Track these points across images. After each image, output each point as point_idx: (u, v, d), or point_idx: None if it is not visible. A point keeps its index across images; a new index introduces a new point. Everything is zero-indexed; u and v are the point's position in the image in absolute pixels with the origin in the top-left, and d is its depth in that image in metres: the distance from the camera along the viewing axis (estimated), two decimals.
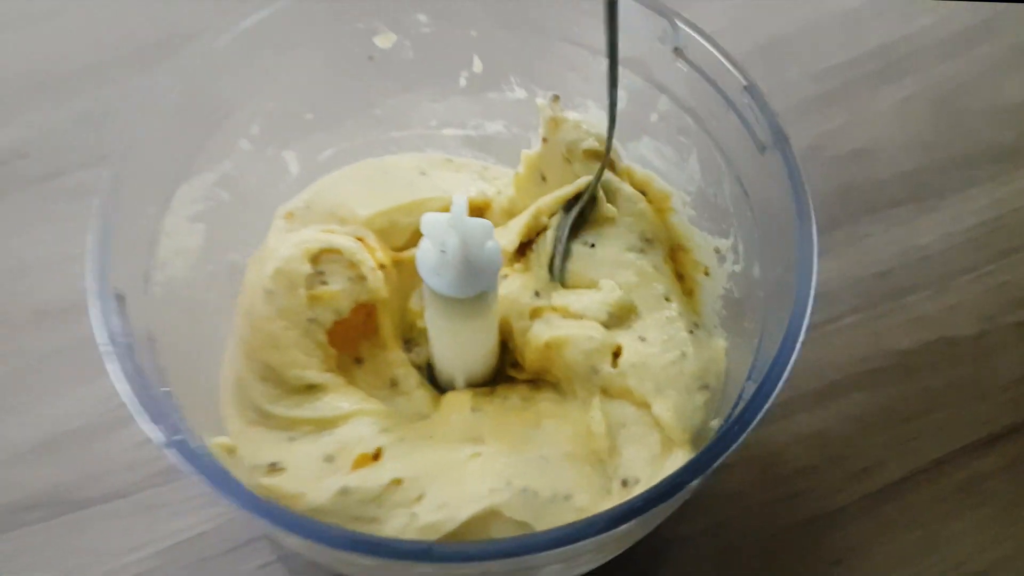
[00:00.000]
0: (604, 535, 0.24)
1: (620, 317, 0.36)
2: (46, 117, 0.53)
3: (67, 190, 0.50)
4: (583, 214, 0.37)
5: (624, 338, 0.36)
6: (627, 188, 0.38)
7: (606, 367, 0.35)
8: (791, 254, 0.29)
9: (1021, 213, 0.48)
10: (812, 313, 0.46)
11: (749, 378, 0.29)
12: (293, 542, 0.29)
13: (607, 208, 0.37)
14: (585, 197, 0.37)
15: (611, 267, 0.36)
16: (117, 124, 0.50)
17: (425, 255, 0.31)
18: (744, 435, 0.26)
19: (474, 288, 0.31)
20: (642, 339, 0.35)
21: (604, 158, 0.36)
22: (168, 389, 0.29)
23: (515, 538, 0.26)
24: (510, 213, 0.39)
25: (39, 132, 0.52)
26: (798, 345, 0.27)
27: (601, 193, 0.37)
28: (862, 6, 0.55)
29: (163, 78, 0.32)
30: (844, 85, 0.53)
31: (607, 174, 0.37)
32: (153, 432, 0.27)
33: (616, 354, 0.35)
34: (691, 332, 0.36)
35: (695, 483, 0.25)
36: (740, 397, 0.29)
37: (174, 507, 0.41)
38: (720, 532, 0.41)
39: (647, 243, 0.37)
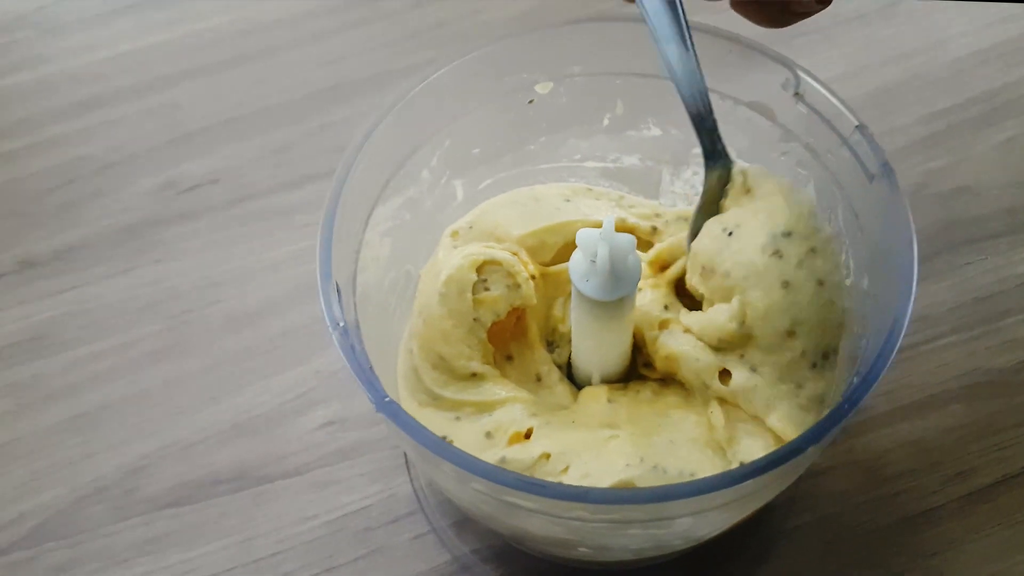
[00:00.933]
0: (732, 488, 0.30)
1: (734, 344, 0.39)
2: (236, 151, 0.61)
3: (251, 213, 0.58)
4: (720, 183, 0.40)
5: (734, 365, 0.39)
6: (773, 176, 0.39)
7: (716, 384, 0.39)
8: (895, 268, 0.34)
9: None
10: (913, 333, 0.51)
11: (851, 381, 0.34)
12: (464, 490, 0.35)
13: (744, 178, 0.39)
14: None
15: (744, 272, 0.38)
16: (312, 157, 0.59)
17: (577, 264, 0.38)
18: (857, 406, 0.31)
19: (616, 293, 0.37)
20: (753, 369, 0.38)
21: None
22: (371, 367, 0.36)
23: (657, 487, 0.32)
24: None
25: (229, 162, 0.60)
26: (900, 337, 0.32)
27: (738, 163, 0.40)
28: (967, 56, 0.60)
29: (372, 119, 0.39)
30: (949, 128, 0.57)
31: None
32: (369, 395, 0.33)
33: (726, 374, 0.39)
34: (814, 366, 0.38)
35: (812, 449, 0.30)
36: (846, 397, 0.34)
37: (342, 484, 0.48)
38: (825, 526, 0.45)
39: (787, 238, 0.38)
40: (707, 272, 0.39)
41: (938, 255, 0.52)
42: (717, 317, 0.39)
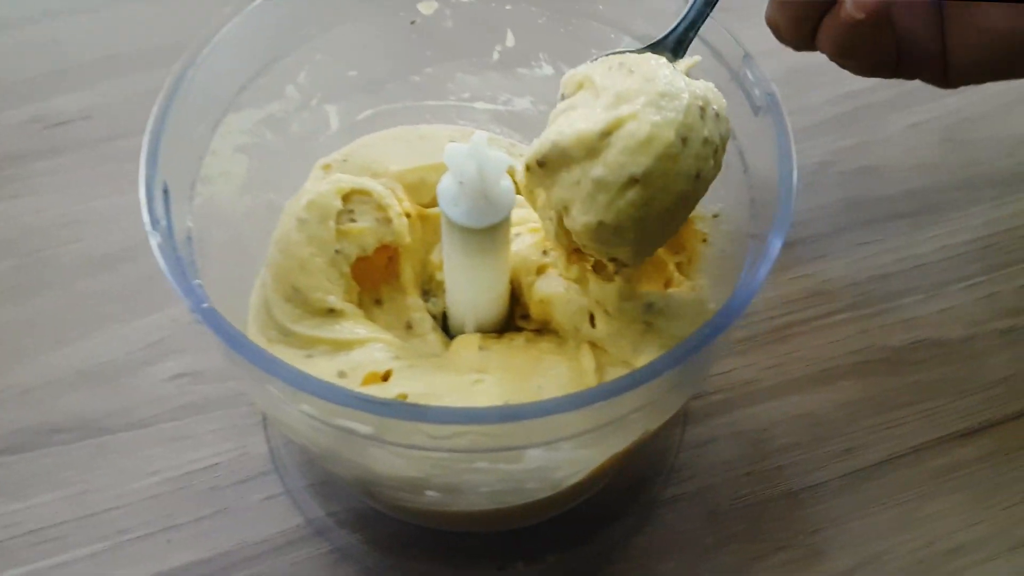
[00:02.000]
0: (581, 411, 0.27)
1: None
2: (114, 87, 0.57)
3: (122, 152, 0.54)
4: None
5: (596, 310, 0.37)
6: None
7: (586, 327, 0.37)
8: (774, 203, 0.32)
9: (1014, 234, 0.51)
10: (806, 308, 0.49)
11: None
12: (296, 418, 0.31)
13: None
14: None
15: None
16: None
17: (447, 188, 0.35)
18: (722, 331, 0.28)
19: (487, 219, 0.34)
20: (607, 313, 0.37)
21: None
22: (199, 283, 0.32)
23: (500, 407, 0.29)
24: None
25: (105, 99, 0.56)
26: (771, 261, 0.29)
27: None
28: None
29: (230, 7, 0.36)
30: (857, 110, 0.56)
31: None
32: (184, 297, 0.29)
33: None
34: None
35: (669, 375, 0.28)
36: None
37: (191, 440, 0.44)
38: (707, 496, 0.43)
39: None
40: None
41: (839, 233, 0.51)
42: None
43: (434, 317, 0.41)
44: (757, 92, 0.34)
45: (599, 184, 0.31)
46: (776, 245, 0.29)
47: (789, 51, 0.59)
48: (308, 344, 0.38)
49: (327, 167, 0.42)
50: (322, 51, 0.40)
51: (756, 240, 0.34)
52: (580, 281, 0.37)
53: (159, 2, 0.61)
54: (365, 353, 0.37)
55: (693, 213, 0.40)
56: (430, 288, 0.42)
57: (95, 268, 0.50)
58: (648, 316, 0.36)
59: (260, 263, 0.41)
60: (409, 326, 0.41)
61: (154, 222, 0.30)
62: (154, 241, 0.30)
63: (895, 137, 0.55)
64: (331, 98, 0.42)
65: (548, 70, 0.43)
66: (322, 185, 0.39)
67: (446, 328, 0.42)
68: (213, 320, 0.29)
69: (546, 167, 0.32)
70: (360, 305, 0.40)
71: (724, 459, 0.43)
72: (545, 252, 0.40)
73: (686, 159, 0.30)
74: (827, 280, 0.49)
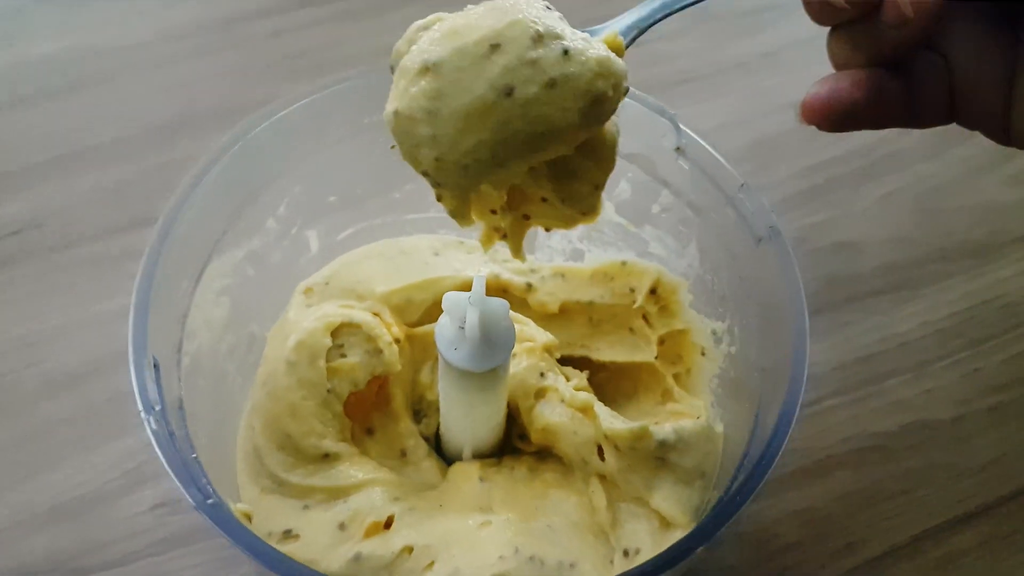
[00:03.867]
0: None
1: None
2: (63, 189, 0.54)
3: (81, 260, 0.52)
4: None
5: (605, 444, 0.36)
6: None
7: (595, 460, 0.37)
8: (785, 339, 0.31)
9: (991, 305, 0.51)
10: None
11: (746, 454, 0.31)
12: None
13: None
14: None
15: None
16: (149, 199, 0.53)
17: (444, 330, 0.33)
18: (741, 509, 0.28)
19: (488, 363, 0.33)
20: (617, 449, 0.36)
21: None
22: (195, 456, 0.31)
23: None
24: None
25: (55, 203, 0.54)
26: (790, 429, 0.29)
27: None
28: None
29: (203, 161, 0.34)
30: (828, 182, 0.56)
31: None
32: (187, 495, 0.28)
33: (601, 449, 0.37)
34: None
35: (699, 550, 0.27)
36: (738, 470, 0.31)
37: None
38: None
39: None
40: None
41: (820, 313, 0.51)
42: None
43: (426, 439, 0.40)
44: (757, 223, 0.34)
45: (401, 69, 0.29)
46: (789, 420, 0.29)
47: (755, 123, 0.59)
48: (304, 494, 0.36)
49: (309, 291, 0.40)
50: (301, 181, 0.38)
51: (765, 374, 0.33)
52: (586, 411, 0.37)
53: (104, 94, 0.59)
54: (363, 499, 0.36)
55: (691, 326, 0.40)
56: (421, 408, 0.41)
57: (58, 390, 0.47)
58: (660, 452, 0.35)
59: (243, 397, 0.39)
60: (403, 453, 0.39)
61: (148, 408, 0.29)
62: (149, 428, 0.28)
63: (867, 210, 0.55)
64: (311, 223, 0.40)
65: None
66: (309, 322, 0.37)
67: (439, 446, 0.40)
68: (219, 518, 0.27)
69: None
70: (352, 439, 0.38)
71: (728, 564, 0.43)
72: (543, 374, 0.39)
73: (491, 65, 0.27)
74: (814, 363, 0.48)
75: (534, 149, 0.28)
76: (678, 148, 0.36)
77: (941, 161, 0.56)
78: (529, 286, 0.42)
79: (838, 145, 0.58)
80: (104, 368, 0.48)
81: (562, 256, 0.44)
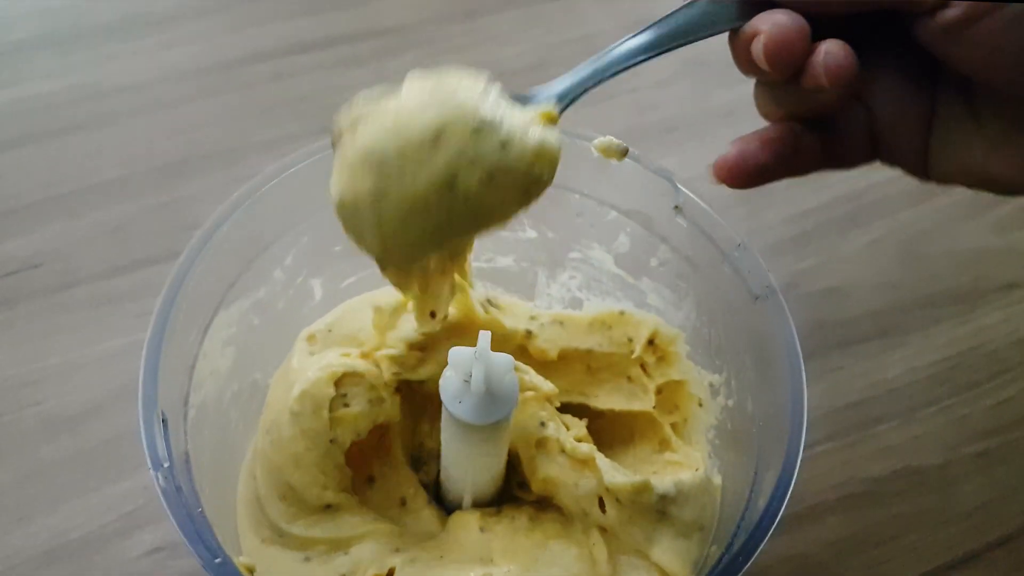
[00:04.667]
0: None
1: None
2: (63, 229, 0.55)
3: (78, 301, 0.52)
4: None
5: (606, 497, 0.37)
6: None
7: (596, 511, 0.37)
8: (781, 393, 0.32)
9: (978, 352, 0.52)
10: None
11: (747, 509, 0.31)
12: None
13: None
14: None
15: None
16: (150, 239, 0.53)
17: (448, 383, 0.34)
18: (747, 565, 0.28)
19: (492, 416, 0.34)
20: (618, 501, 0.36)
21: None
22: (201, 510, 0.31)
23: None
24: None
25: (53, 244, 0.54)
26: (792, 481, 0.30)
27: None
28: None
29: (216, 213, 0.34)
30: (816, 228, 0.57)
31: None
32: (195, 555, 0.28)
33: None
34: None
35: None
36: (739, 526, 0.31)
37: None
38: None
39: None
40: None
41: (810, 358, 0.50)
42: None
43: (425, 486, 0.41)
44: (754, 282, 0.35)
45: (344, 158, 0.30)
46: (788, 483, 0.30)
47: None
48: (305, 546, 0.36)
49: (312, 338, 0.41)
50: (308, 233, 0.39)
51: (762, 428, 0.34)
52: (587, 464, 0.37)
53: (105, 134, 0.60)
54: (365, 550, 0.36)
55: (688, 377, 0.40)
56: (420, 455, 0.42)
57: (57, 431, 0.47)
58: (661, 505, 0.35)
59: (246, 443, 0.40)
60: (403, 502, 0.40)
61: (157, 465, 0.29)
62: (158, 486, 0.29)
63: (855, 256, 0.56)
64: (316, 272, 0.41)
65: (532, 233, 0.43)
66: (312, 372, 0.38)
67: (438, 493, 0.41)
68: None
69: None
70: (352, 489, 0.39)
71: None
72: (543, 424, 0.39)
73: (434, 159, 0.28)
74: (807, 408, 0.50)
75: (475, 229, 0.31)
76: (676, 207, 0.37)
77: (926, 207, 0.58)
78: (529, 333, 0.43)
79: (825, 192, 0.59)
80: (104, 409, 0.48)
81: (560, 304, 0.44)
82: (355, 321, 0.41)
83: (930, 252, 0.56)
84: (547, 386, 0.40)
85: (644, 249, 0.39)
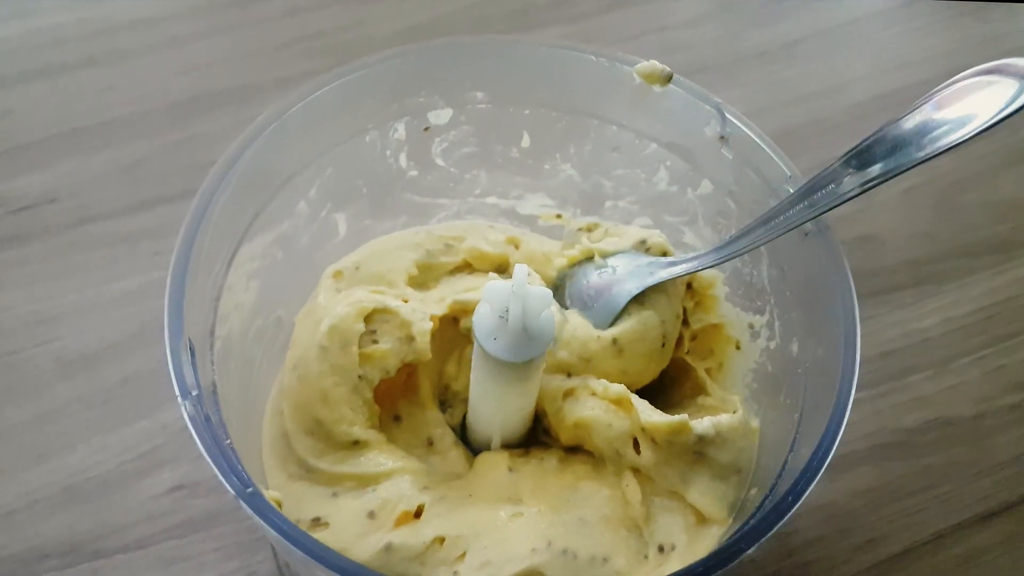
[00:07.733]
0: None
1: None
2: (77, 165, 0.54)
3: (93, 238, 0.51)
4: None
5: (642, 437, 0.36)
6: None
7: (630, 452, 0.36)
8: (831, 333, 0.31)
9: (1015, 302, 0.51)
10: None
11: (792, 449, 0.30)
12: None
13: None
14: None
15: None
16: (164, 177, 0.52)
17: (483, 319, 0.33)
18: (796, 507, 0.27)
19: (528, 354, 0.33)
20: (654, 442, 0.35)
21: None
22: (229, 442, 0.30)
23: None
24: None
25: (70, 180, 0.53)
26: (844, 423, 0.29)
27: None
28: (867, 100, 0.59)
29: (239, 140, 0.33)
30: None
31: None
32: (227, 484, 0.27)
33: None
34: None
35: (751, 550, 0.27)
36: (783, 469, 0.30)
37: (192, 561, 0.42)
38: None
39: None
40: None
41: None
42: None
43: (452, 428, 0.40)
44: None
45: None
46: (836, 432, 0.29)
47: (775, 113, 0.59)
48: (333, 481, 0.36)
49: (338, 275, 0.40)
50: (333, 164, 0.37)
51: (807, 369, 0.33)
52: (621, 403, 0.36)
53: (118, 69, 0.58)
54: (392, 487, 0.35)
55: (725, 320, 0.39)
56: (446, 398, 0.41)
57: (74, 370, 0.47)
58: (699, 446, 0.34)
59: (269, 381, 0.39)
60: (430, 442, 0.39)
61: (185, 392, 0.28)
62: (186, 413, 0.28)
63: (890, 204, 0.55)
64: (340, 207, 0.39)
65: (566, 169, 0.41)
66: (342, 307, 0.37)
67: (463, 437, 0.40)
68: (260, 509, 0.26)
69: None
70: (380, 426, 0.38)
71: (750, 558, 0.42)
72: (568, 375, 0.38)
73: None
74: None
75: None
76: (722, 136, 0.35)
77: (964, 155, 0.56)
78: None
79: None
80: (120, 349, 0.47)
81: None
82: (383, 261, 0.40)
83: (967, 201, 0.55)
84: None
85: (684, 184, 0.38)
